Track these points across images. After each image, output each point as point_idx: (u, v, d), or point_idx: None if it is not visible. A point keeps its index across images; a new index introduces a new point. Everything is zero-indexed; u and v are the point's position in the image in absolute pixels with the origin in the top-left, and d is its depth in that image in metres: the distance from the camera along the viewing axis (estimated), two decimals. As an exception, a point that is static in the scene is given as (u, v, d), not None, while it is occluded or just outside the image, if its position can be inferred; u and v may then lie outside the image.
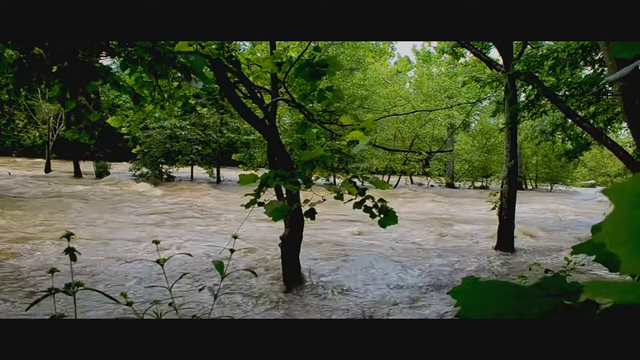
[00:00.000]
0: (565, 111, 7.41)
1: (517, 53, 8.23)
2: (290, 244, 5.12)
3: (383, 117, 14.74)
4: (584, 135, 11.98)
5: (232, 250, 2.56)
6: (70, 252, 1.97)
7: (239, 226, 7.74)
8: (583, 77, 8.02)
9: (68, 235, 1.95)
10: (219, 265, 2.03)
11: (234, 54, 4.78)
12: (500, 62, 8.14)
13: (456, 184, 31.44)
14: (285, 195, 4.80)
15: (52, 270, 1.92)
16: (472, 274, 6.27)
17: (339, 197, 2.33)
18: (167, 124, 19.15)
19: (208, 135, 20.86)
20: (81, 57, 2.97)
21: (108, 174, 21.39)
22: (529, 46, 8.97)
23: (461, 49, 10.16)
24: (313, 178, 19.98)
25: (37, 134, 24.74)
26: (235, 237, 2.65)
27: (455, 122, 26.82)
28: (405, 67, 38.93)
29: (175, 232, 8.44)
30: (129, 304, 2.13)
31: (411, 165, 28.74)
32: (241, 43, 15.78)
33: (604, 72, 7.32)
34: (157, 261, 2.31)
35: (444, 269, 6.48)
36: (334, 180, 24.08)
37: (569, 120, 10.30)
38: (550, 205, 18.31)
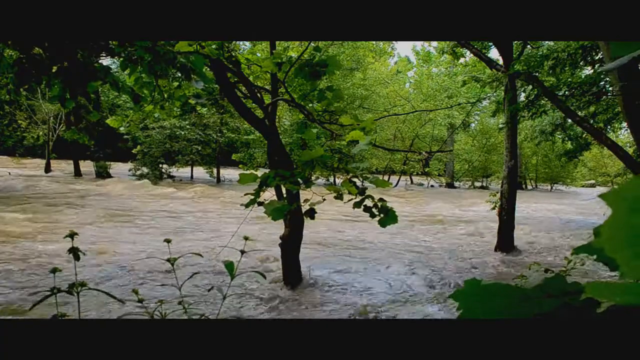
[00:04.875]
0: (565, 111, 7.41)
1: (517, 53, 8.23)
2: (290, 243, 5.12)
3: (383, 117, 14.76)
4: (584, 135, 12.00)
5: (242, 252, 2.55)
6: (74, 252, 1.97)
7: (238, 226, 7.74)
8: (583, 77, 8.02)
9: (72, 235, 1.96)
10: (229, 266, 2.04)
11: (234, 54, 4.78)
12: (500, 62, 8.14)
13: (456, 184, 31.45)
14: (285, 195, 4.80)
15: (54, 270, 1.92)
16: (470, 274, 6.27)
17: (339, 197, 2.33)
18: (167, 124, 19.17)
19: (208, 135, 20.88)
20: (81, 57, 2.97)
21: (108, 173, 21.39)
22: (529, 46, 8.97)
23: (461, 49, 10.16)
24: (313, 178, 19.98)
25: (40, 133, 24.77)
26: (246, 238, 2.64)
27: (455, 122, 26.84)
28: (405, 67, 38.94)
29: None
30: (140, 301, 2.15)
31: (411, 165, 28.78)
32: (241, 43, 15.78)
33: (603, 67, 7.32)
34: (168, 260, 2.31)
35: (445, 270, 6.48)
36: (334, 180, 24.09)
37: (569, 120, 10.30)
38: (550, 205, 18.31)
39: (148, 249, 6.74)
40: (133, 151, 20.52)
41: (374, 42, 27.49)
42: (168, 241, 2.46)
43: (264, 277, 2.49)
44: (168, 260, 2.31)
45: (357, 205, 2.37)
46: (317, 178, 23.56)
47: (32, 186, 15.37)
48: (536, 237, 9.65)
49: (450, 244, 8.61)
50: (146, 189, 16.36)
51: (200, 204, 13.22)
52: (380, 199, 2.34)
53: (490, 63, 8.43)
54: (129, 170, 21.32)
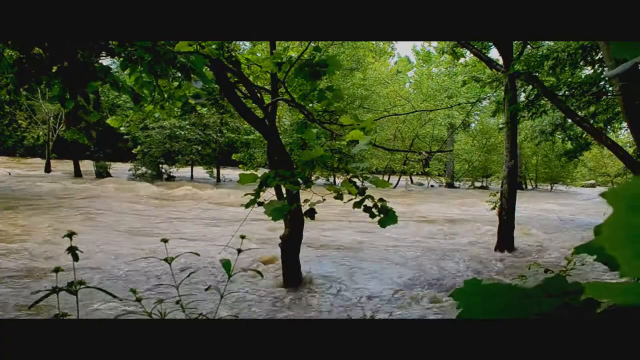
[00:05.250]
0: (565, 111, 7.41)
1: (517, 53, 8.23)
2: (290, 243, 5.12)
3: (383, 117, 14.75)
4: (584, 135, 11.99)
5: (239, 250, 2.55)
6: (73, 251, 1.97)
7: (238, 226, 7.73)
8: (583, 77, 8.02)
9: (70, 235, 1.96)
10: (226, 265, 2.04)
11: (234, 54, 4.78)
12: (500, 62, 8.14)
13: (456, 183, 31.44)
14: (285, 195, 4.80)
15: (57, 270, 1.92)
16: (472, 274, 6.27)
17: (339, 197, 2.33)
18: (167, 124, 19.17)
19: (208, 135, 20.89)
20: (81, 57, 2.97)
21: (108, 173, 21.38)
22: (529, 46, 8.97)
23: (461, 49, 10.15)
24: (313, 178, 19.96)
25: (40, 133, 24.79)
26: (242, 237, 2.63)
27: (455, 122, 26.83)
28: (405, 67, 38.91)
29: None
30: (138, 300, 2.15)
31: (411, 165, 28.76)
32: (241, 43, 15.78)
33: (604, 72, 7.32)
34: (165, 259, 2.31)
35: (445, 269, 6.48)
36: (334, 180, 24.08)
37: (569, 120, 10.30)
38: (550, 205, 18.31)
39: (99, 249, 6.62)
40: (133, 151, 20.53)
41: (374, 42, 27.49)
42: (165, 241, 2.45)
43: (262, 275, 2.49)
44: (165, 259, 2.31)
45: (357, 205, 2.37)
46: (317, 178, 23.55)
47: (14, 185, 15.37)
48: (536, 237, 9.65)
49: (451, 244, 8.61)
50: (138, 189, 16.23)
51: (178, 205, 13.13)
52: (380, 199, 2.34)
53: (490, 63, 8.43)
54: (129, 170, 21.33)
